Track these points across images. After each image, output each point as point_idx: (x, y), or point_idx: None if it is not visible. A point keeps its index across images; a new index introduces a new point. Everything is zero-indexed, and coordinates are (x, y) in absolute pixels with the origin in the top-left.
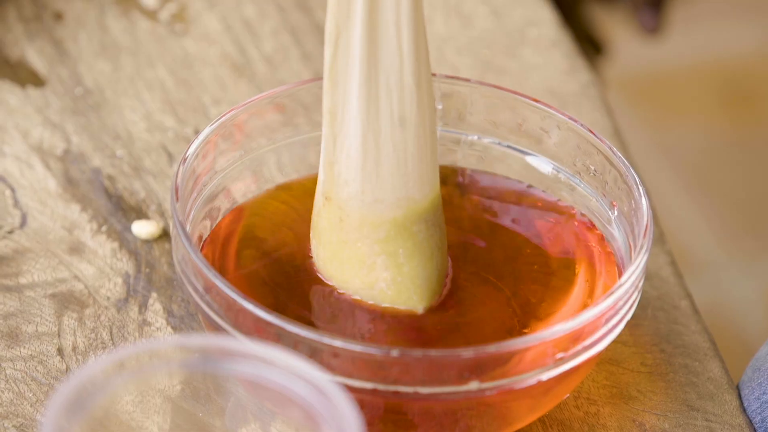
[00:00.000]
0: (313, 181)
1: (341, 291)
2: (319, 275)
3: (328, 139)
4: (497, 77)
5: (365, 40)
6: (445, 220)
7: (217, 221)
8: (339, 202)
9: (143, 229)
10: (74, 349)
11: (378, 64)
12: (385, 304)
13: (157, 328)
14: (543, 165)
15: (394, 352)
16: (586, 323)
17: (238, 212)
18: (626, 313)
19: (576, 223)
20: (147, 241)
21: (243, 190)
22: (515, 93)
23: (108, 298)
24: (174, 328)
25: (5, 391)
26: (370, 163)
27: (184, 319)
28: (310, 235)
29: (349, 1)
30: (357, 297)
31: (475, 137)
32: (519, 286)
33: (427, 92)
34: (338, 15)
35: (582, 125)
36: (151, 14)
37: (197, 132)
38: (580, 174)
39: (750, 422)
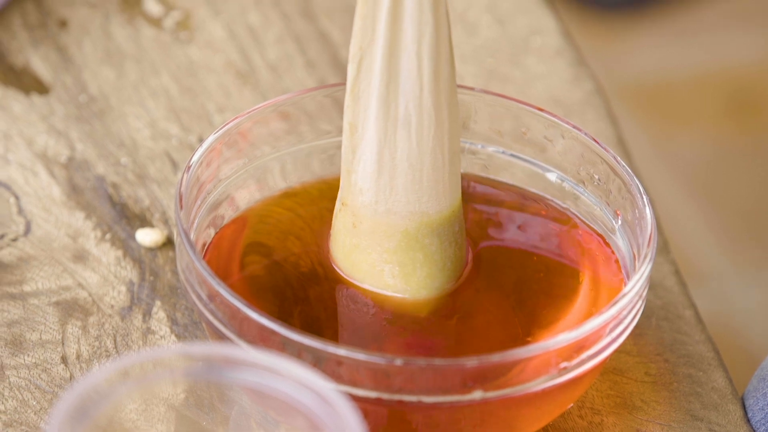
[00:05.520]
0: (317, 188)
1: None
2: (333, 270)
3: (347, 150)
4: (501, 86)
5: (386, 67)
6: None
7: (221, 228)
8: (353, 208)
9: (147, 237)
10: (78, 357)
11: (398, 89)
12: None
13: (161, 337)
14: (547, 174)
15: (398, 361)
16: (590, 332)
17: (241, 220)
18: (630, 322)
19: (580, 232)
20: (151, 249)
21: (247, 198)
22: (519, 102)
23: (112, 306)
24: (178, 337)
25: (9, 399)
26: (385, 177)
27: (188, 328)
28: (330, 232)
29: (374, 28)
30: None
31: (479, 146)
32: (523, 294)
33: (450, 117)
34: (362, 39)
35: (586, 134)
36: (156, 22)
37: (201, 140)
38: (584, 183)
39: None
